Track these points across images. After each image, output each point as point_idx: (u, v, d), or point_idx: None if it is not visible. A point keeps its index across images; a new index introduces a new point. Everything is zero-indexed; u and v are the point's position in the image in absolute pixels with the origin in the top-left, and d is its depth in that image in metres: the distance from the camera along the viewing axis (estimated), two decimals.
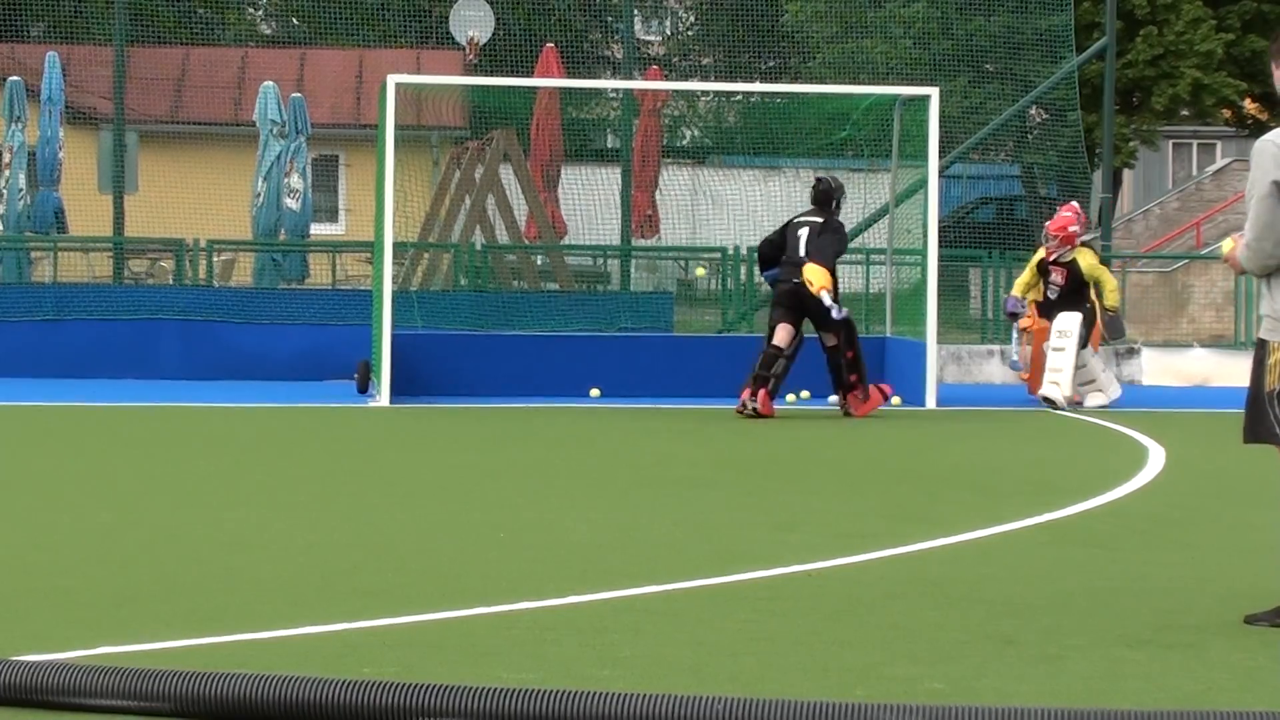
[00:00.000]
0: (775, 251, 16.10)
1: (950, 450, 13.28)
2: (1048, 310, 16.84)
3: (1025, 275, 17.13)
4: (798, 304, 15.87)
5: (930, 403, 16.59)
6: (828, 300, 15.64)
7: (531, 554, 7.95)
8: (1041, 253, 16.90)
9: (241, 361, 18.88)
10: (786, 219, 16.52)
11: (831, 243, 15.96)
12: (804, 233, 15.95)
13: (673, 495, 10.22)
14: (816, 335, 16.03)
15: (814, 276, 15.66)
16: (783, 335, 15.83)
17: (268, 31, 39.22)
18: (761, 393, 15.48)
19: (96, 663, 5.16)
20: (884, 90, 19.24)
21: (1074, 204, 17.92)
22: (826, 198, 16.15)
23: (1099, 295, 16.93)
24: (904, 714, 4.69)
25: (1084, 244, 17.52)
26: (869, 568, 7.67)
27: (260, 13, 40.35)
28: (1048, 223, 17.14)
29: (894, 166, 18.81)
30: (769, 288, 16.72)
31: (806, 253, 15.81)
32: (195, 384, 18.14)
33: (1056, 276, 16.72)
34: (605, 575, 7.35)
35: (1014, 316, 17.35)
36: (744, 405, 15.50)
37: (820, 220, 15.98)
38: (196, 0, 33.26)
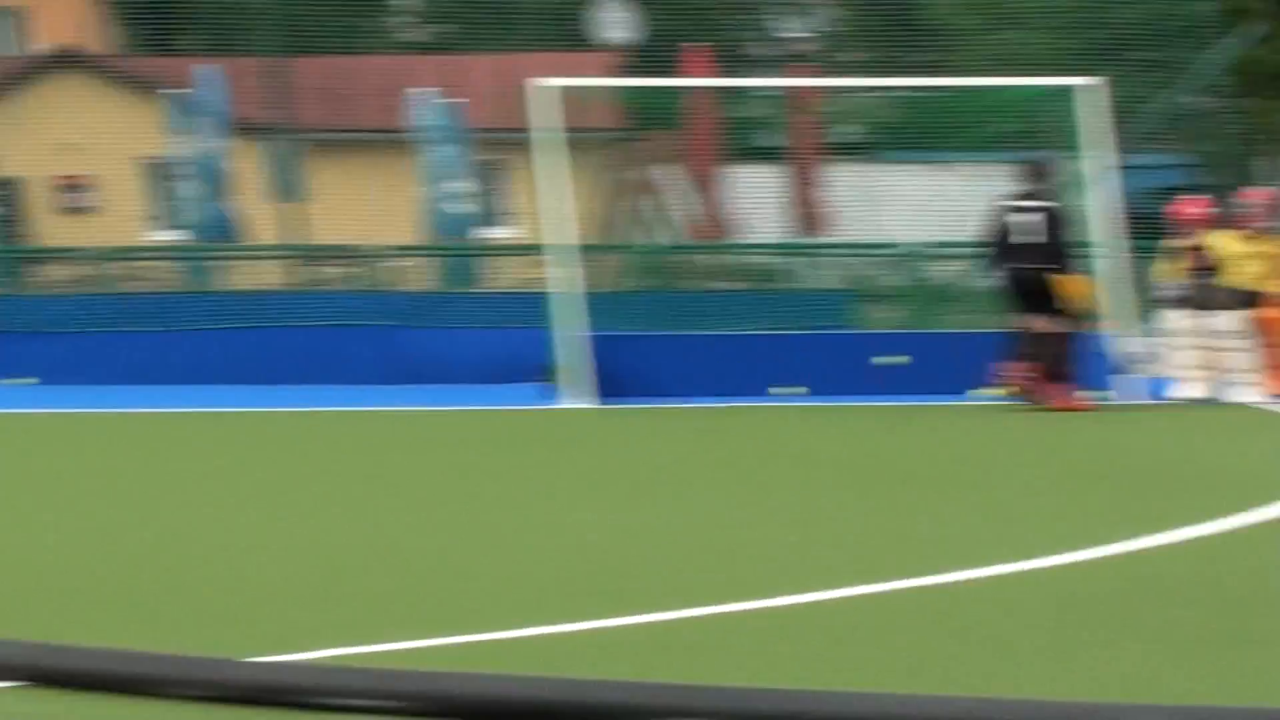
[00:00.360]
0: (1004, 240, 15.78)
1: (1154, 446, 13.05)
2: (1197, 299, 16.50)
3: (1165, 264, 16.85)
4: (1031, 290, 15.52)
5: (1119, 397, 16.38)
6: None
7: (784, 549, 7.86)
8: (1179, 240, 16.63)
9: (422, 365, 19.03)
10: (1001, 206, 16.13)
11: (1070, 238, 15.73)
12: (1034, 218, 15.59)
13: (880, 495, 10.15)
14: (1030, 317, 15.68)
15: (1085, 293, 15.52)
16: (1041, 323, 15.53)
17: (424, 39, 39.61)
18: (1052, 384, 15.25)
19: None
20: (1042, 81, 19.00)
21: (1270, 190, 17.64)
22: (1041, 173, 15.90)
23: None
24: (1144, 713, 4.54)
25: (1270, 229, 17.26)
26: (1095, 566, 7.52)
27: (417, 20, 40.76)
28: (1168, 209, 16.94)
29: (1061, 159, 18.52)
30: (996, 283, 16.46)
31: (1048, 239, 15.46)
32: (383, 388, 18.33)
33: (1191, 261, 16.46)
34: (808, 575, 7.25)
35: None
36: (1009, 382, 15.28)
37: (1045, 207, 15.65)
38: (354, 10, 33.60)
